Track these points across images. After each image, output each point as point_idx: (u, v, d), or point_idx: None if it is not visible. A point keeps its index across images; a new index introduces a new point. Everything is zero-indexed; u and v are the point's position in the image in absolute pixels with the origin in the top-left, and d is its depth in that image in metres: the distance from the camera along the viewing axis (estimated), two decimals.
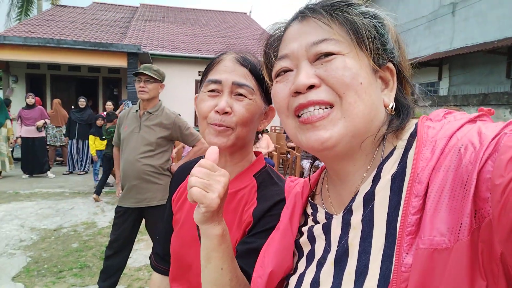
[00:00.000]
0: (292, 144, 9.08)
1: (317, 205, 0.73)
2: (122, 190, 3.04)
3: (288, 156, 9.35)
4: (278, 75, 0.66)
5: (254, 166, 1.05)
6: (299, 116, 0.62)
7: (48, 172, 8.78)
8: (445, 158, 0.49)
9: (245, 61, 0.98)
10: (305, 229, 0.73)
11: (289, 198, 0.81)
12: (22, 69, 12.87)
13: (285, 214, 0.77)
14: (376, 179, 0.60)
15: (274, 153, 8.58)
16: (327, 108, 0.59)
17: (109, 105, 9.82)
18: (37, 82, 13.41)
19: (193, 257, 1.01)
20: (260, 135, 1.11)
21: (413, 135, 0.60)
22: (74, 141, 9.08)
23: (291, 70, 0.64)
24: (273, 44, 0.72)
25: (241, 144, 0.99)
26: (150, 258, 1.28)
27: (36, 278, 3.70)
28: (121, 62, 11.19)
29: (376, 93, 0.61)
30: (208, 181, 0.71)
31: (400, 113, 0.65)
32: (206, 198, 0.70)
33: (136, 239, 3.22)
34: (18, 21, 20.83)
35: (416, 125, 0.61)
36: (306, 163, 7.75)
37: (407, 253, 0.48)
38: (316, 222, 0.71)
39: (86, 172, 9.34)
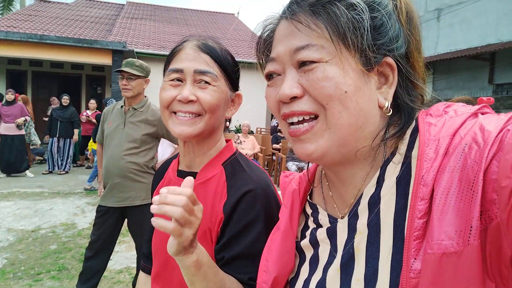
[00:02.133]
0: (277, 146, 9.05)
1: (317, 206, 0.70)
2: (104, 188, 2.93)
3: (274, 157, 9.32)
4: (268, 78, 0.65)
5: (222, 154, 1.03)
6: (289, 123, 0.62)
7: (27, 171, 8.51)
8: (450, 158, 0.48)
9: (207, 47, 0.96)
10: (307, 232, 0.70)
11: (286, 196, 0.77)
12: (2, 64, 12.54)
13: (284, 213, 0.74)
14: (380, 181, 0.58)
15: (260, 154, 8.54)
16: (311, 118, 0.58)
17: (93, 103, 9.63)
18: (18, 79, 13.07)
19: (167, 255, 0.98)
20: (228, 122, 1.10)
21: (415, 132, 0.57)
22: (55, 139, 8.83)
23: (279, 74, 0.62)
24: (265, 41, 0.69)
25: (208, 132, 0.97)
26: (139, 258, 1.25)
27: (11, 280, 3.54)
28: (105, 60, 10.96)
29: (366, 97, 0.56)
30: (189, 217, 0.67)
31: (400, 111, 0.59)
32: (183, 236, 0.67)
33: (117, 241, 3.10)
34: (0, 16, 20.25)
35: (417, 121, 0.57)
36: (291, 165, 7.73)
37: (415, 258, 0.47)
38: (319, 225, 0.68)
39: (67, 172, 9.08)
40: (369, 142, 0.58)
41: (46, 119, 9.66)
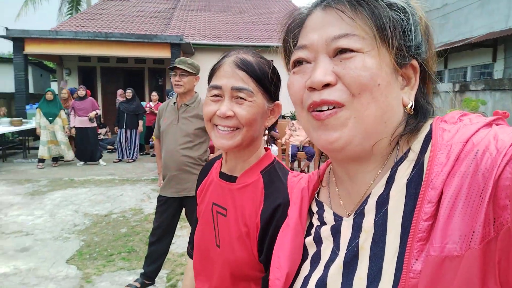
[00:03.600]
0: None
1: (324, 204, 0.71)
2: (164, 180, 3.16)
3: None
4: (295, 65, 0.64)
5: (261, 162, 1.09)
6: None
7: (100, 160, 9.30)
8: (461, 164, 0.48)
9: (244, 64, 1.01)
10: (311, 230, 0.71)
11: (294, 193, 0.79)
12: (74, 62, 13.63)
13: (293, 210, 0.75)
14: (390, 182, 0.58)
15: None
16: (339, 108, 0.57)
17: (154, 95, 10.19)
18: (88, 74, 14.16)
19: (209, 245, 1.10)
20: (266, 131, 1.15)
21: (428, 136, 0.58)
22: (123, 130, 9.52)
23: (309, 62, 0.61)
24: (293, 30, 0.68)
25: (247, 143, 1.04)
26: (188, 244, 1.37)
27: (88, 261, 3.97)
28: (164, 53, 11.49)
29: (394, 93, 0.58)
30: None
31: (417, 113, 0.61)
32: None
33: (179, 226, 3.36)
34: (69, 16, 21.90)
35: (431, 126, 0.58)
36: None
37: (416, 259, 0.48)
38: (323, 223, 0.69)
39: (134, 160, 9.78)
40: (388, 138, 0.59)
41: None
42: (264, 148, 1.15)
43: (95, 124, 9.28)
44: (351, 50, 0.56)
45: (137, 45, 11.28)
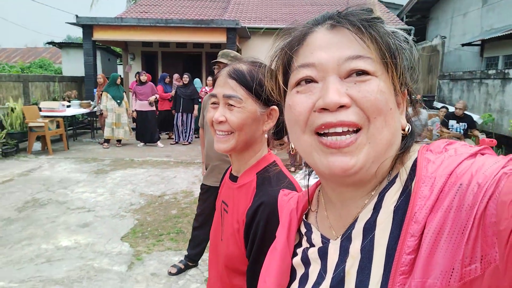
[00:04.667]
0: None
1: (311, 225, 0.70)
2: (206, 169, 3.26)
3: None
4: (298, 83, 0.60)
5: (259, 164, 1.17)
6: (319, 134, 0.57)
7: (158, 142, 9.81)
8: (444, 198, 0.48)
9: (235, 73, 1.10)
10: (299, 250, 0.71)
11: (283, 215, 0.78)
12: (138, 47, 14.31)
13: (281, 233, 0.74)
14: (378, 208, 0.57)
15: None
16: (354, 130, 0.55)
17: (210, 80, 10.40)
18: (150, 59, 14.82)
19: (217, 239, 1.22)
20: (266, 135, 1.21)
21: (415, 163, 0.57)
22: (179, 114, 9.92)
23: (316, 81, 0.58)
24: (290, 46, 0.64)
25: (242, 146, 1.12)
26: None
27: (140, 239, 4.26)
28: (221, 38, 11.64)
29: (398, 117, 0.60)
30: None
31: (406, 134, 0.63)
32: None
33: None
34: (134, 2, 22.90)
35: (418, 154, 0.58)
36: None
37: None
38: (311, 245, 0.68)
39: (190, 143, 10.18)
40: (389, 160, 0.58)
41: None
42: (269, 151, 1.23)
43: (154, 108, 9.76)
44: (367, 73, 0.55)
45: (195, 30, 11.54)
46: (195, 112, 9.97)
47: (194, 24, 11.45)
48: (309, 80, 0.59)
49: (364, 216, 0.59)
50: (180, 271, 3.49)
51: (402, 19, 15.15)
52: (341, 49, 0.56)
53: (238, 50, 12.47)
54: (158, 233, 4.43)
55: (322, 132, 0.57)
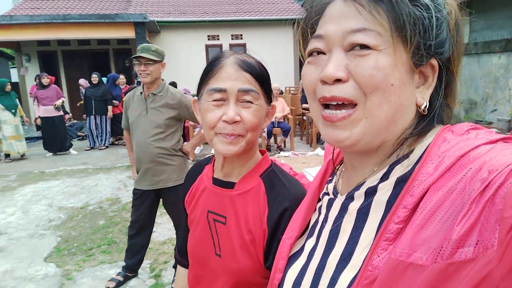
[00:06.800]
0: (307, 106, 8.94)
1: (333, 176, 0.76)
2: (138, 172, 3.09)
3: (304, 117, 9.25)
4: (310, 54, 0.63)
5: (260, 166, 1.05)
6: (323, 105, 0.60)
7: (71, 149, 9.02)
8: (450, 179, 0.48)
9: (247, 65, 0.96)
10: (321, 195, 0.76)
11: (323, 164, 0.82)
12: (33, 47, 12.92)
13: (316, 179, 0.79)
14: (385, 178, 0.59)
15: (290, 116, 8.49)
16: (350, 104, 0.57)
17: (122, 79, 9.85)
18: (49, 59, 13.48)
19: (208, 254, 1.07)
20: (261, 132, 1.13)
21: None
22: (92, 117, 9.21)
23: (324, 53, 0.60)
24: (311, 17, 0.66)
25: (249, 147, 1.00)
26: (174, 250, 1.35)
27: (67, 257, 3.89)
28: (128, 33, 11.03)
29: (408, 93, 0.57)
30: None
31: (428, 114, 0.60)
32: None
33: (158, 213, 3.32)
34: None
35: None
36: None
37: (378, 256, 0.51)
38: (327, 194, 0.73)
39: (107, 147, 9.54)
40: (395, 137, 0.59)
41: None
42: (260, 150, 1.11)
43: (61, 113, 8.92)
44: (367, 47, 0.55)
45: (98, 25, 10.74)
46: (110, 113, 9.34)
47: (97, 19, 10.67)
48: (320, 52, 0.61)
49: (370, 182, 0.61)
50: (119, 284, 3.27)
51: None
52: (348, 21, 0.56)
53: None
54: (87, 248, 4.09)
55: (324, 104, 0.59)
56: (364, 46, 0.55)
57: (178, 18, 12.78)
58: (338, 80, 0.56)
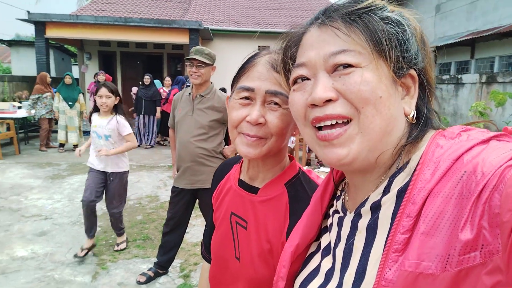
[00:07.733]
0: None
1: (341, 193, 0.75)
2: (178, 171, 3.14)
3: None
4: (295, 82, 0.66)
5: (286, 174, 1.00)
6: (317, 128, 0.62)
7: None
8: (446, 183, 0.48)
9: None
10: (331, 212, 0.75)
11: (326, 176, 0.81)
12: (94, 46, 13.73)
13: (317, 190, 0.79)
14: (386, 191, 0.60)
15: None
16: (344, 122, 0.58)
17: (168, 80, 10.20)
18: (108, 59, 14.26)
19: (228, 256, 1.04)
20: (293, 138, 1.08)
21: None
22: (141, 116, 9.58)
23: (308, 79, 0.63)
24: (290, 49, 0.70)
25: (274, 152, 0.95)
26: (201, 245, 1.32)
27: (104, 247, 4.03)
28: (183, 39, 11.42)
29: (396, 104, 0.59)
30: None
31: (418, 122, 0.62)
32: None
33: (193, 215, 3.35)
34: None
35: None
36: None
37: (389, 269, 0.50)
38: (337, 212, 0.73)
39: (152, 146, 9.86)
40: (391, 149, 0.60)
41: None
42: (289, 156, 1.06)
43: None
44: (350, 65, 0.57)
45: (156, 30, 11.23)
46: (158, 114, 9.68)
47: (155, 23, 11.15)
48: (304, 78, 0.63)
49: (374, 197, 0.62)
50: (149, 280, 3.32)
51: None
52: (327, 46, 0.59)
53: None
54: None
55: (318, 126, 0.61)
56: (347, 65, 0.57)
57: (231, 27, 13.08)
58: (328, 101, 0.58)
